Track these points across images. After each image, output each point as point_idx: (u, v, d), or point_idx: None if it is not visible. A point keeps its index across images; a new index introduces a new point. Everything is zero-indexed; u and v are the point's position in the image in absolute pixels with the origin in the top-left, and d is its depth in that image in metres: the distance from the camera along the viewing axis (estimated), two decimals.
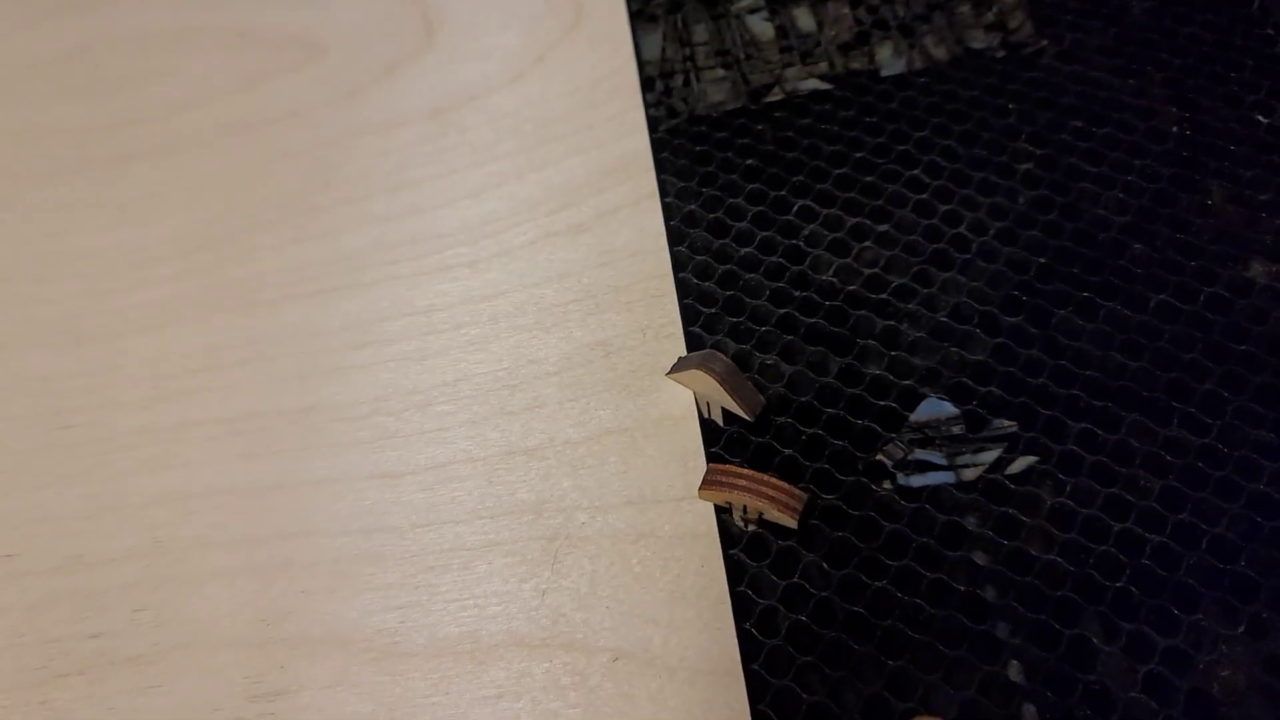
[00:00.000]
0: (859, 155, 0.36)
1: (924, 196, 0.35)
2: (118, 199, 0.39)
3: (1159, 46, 0.38)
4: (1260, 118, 0.35)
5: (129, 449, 0.33)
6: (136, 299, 0.37)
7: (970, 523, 0.29)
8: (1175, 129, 0.35)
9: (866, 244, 0.34)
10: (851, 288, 0.34)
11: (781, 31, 0.41)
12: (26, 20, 0.45)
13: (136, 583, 0.31)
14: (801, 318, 0.33)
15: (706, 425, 0.31)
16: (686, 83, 0.40)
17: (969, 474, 0.30)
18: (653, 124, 0.38)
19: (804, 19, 0.41)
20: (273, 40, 0.43)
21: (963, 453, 0.30)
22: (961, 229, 0.34)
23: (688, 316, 0.34)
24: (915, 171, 0.36)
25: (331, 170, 0.39)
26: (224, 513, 0.32)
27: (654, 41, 0.41)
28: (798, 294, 0.34)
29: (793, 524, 0.29)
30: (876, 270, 0.34)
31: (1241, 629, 0.27)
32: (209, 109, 0.41)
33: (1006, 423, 0.31)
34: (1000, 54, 0.38)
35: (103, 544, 0.32)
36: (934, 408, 0.31)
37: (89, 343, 0.36)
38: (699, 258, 0.35)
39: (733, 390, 0.30)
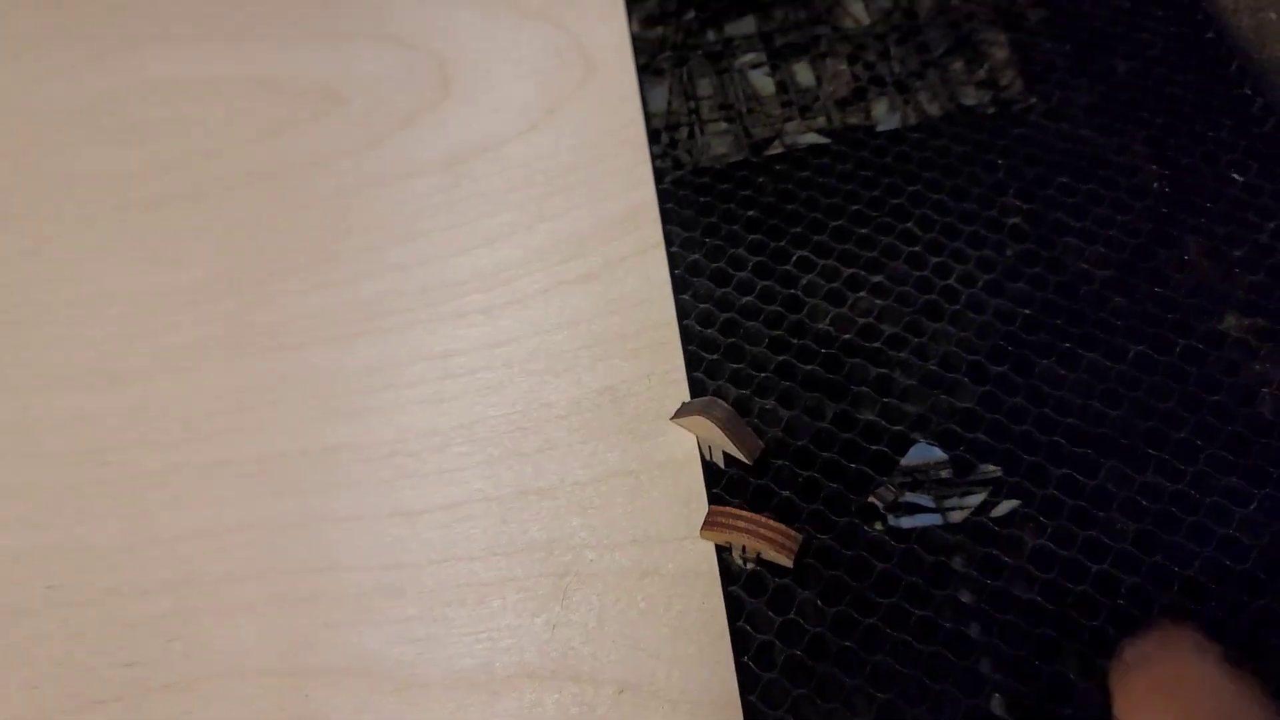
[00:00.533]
0: (855, 208, 0.38)
1: (916, 249, 0.37)
2: (149, 244, 0.41)
3: (1142, 105, 0.40)
4: (1236, 176, 0.37)
5: (161, 486, 0.35)
6: (168, 341, 0.38)
7: (957, 563, 0.31)
8: (1156, 185, 0.37)
9: (861, 294, 0.36)
10: (847, 336, 0.35)
11: (782, 86, 0.43)
12: (61, 69, 0.47)
13: (169, 614, 0.33)
14: (799, 364, 0.35)
15: (708, 468, 0.33)
16: (691, 135, 0.42)
17: (956, 516, 0.32)
18: (659, 175, 0.40)
19: (803, 74, 0.43)
20: (295, 90, 0.45)
21: (950, 496, 0.32)
22: (951, 281, 0.36)
23: (691, 362, 0.35)
24: (908, 224, 0.38)
25: (351, 218, 0.41)
26: (252, 548, 0.34)
27: (660, 95, 0.43)
28: (795, 341, 0.35)
29: (789, 563, 0.30)
30: (870, 319, 0.36)
31: None
32: (234, 156, 0.43)
33: (991, 468, 0.32)
34: (991, 110, 0.40)
35: (137, 577, 0.34)
36: (924, 453, 0.33)
37: (123, 383, 0.38)
38: (702, 305, 0.37)
39: (733, 435, 0.32)
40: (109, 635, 0.33)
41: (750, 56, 0.44)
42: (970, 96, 0.41)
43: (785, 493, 0.33)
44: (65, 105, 0.46)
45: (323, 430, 0.35)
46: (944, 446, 0.33)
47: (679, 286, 0.37)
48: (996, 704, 0.29)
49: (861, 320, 0.36)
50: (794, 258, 0.37)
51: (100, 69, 0.48)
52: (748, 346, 0.36)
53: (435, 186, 0.41)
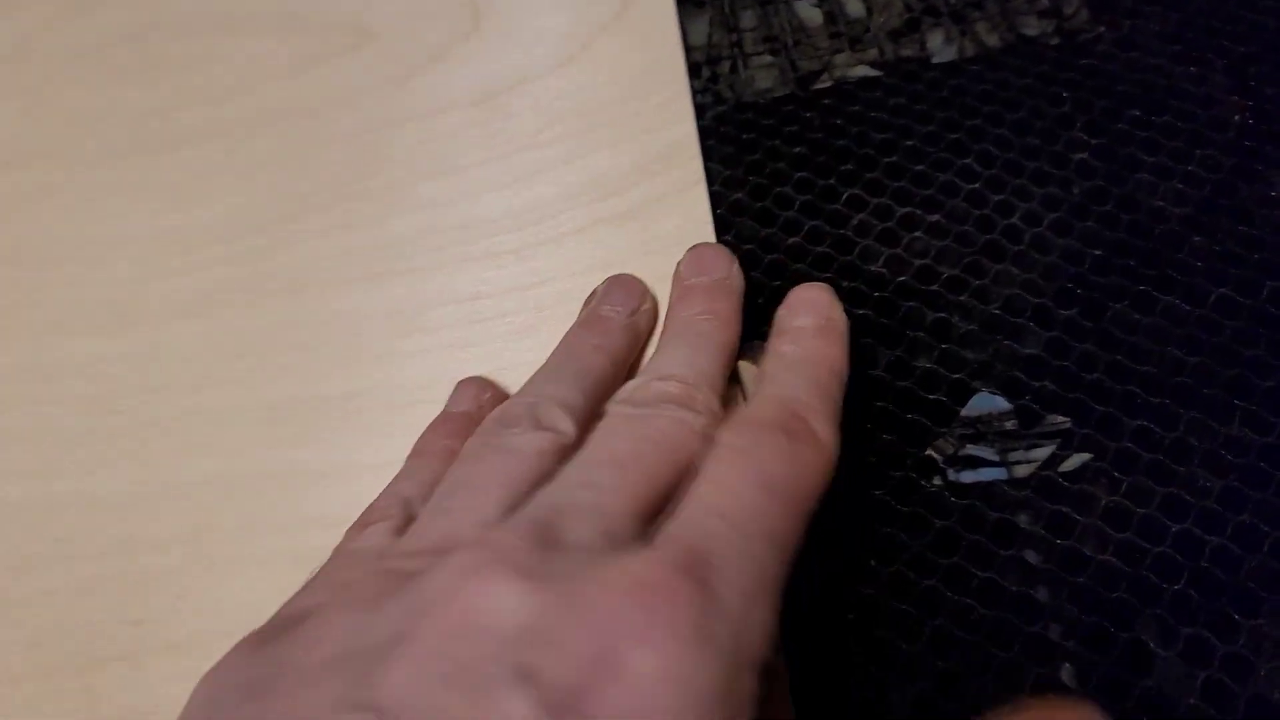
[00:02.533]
0: (909, 143, 0.36)
1: (976, 186, 0.34)
2: (168, 183, 0.39)
3: (1220, 33, 0.37)
4: None
5: (175, 433, 0.33)
6: (186, 283, 0.37)
7: (1022, 520, 0.29)
8: (1237, 118, 0.35)
9: (917, 234, 0.34)
10: (901, 279, 0.33)
11: (830, 18, 0.40)
12: (79, 5, 0.46)
13: (180, 568, 0.31)
14: (850, 309, 0.32)
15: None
16: (734, 69, 0.39)
17: (1021, 471, 0.29)
18: (699, 111, 0.38)
19: (853, 5, 0.40)
20: (321, 25, 0.43)
21: (1015, 449, 0.30)
22: (1015, 219, 0.34)
23: None
24: (967, 160, 0.35)
25: (379, 156, 0.39)
26: (268, 499, 0.32)
27: (701, 27, 0.40)
28: (846, 285, 0.33)
29: None
30: (927, 261, 0.33)
31: None
32: (258, 94, 0.41)
33: (1060, 419, 0.30)
34: (1054, 41, 0.38)
35: (148, 529, 0.32)
36: (986, 403, 0.31)
37: (138, 326, 0.36)
38: (746, 247, 0.34)
39: None
40: (117, 590, 0.31)
41: None
42: (1032, 26, 0.38)
43: None
44: (83, 41, 0.45)
45: (344, 376, 0.34)
46: (1008, 396, 0.31)
47: (721, 227, 0.35)
48: (1067, 674, 0.26)
49: (917, 262, 0.33)
50: (844, 196, 0.35)
51: (121, 5, 0.46)
52: None
53: (466, 123, 0.39)
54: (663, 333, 0.31)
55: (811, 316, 0.29)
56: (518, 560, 0.20)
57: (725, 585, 0.20)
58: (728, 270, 0.31)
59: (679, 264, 0.32)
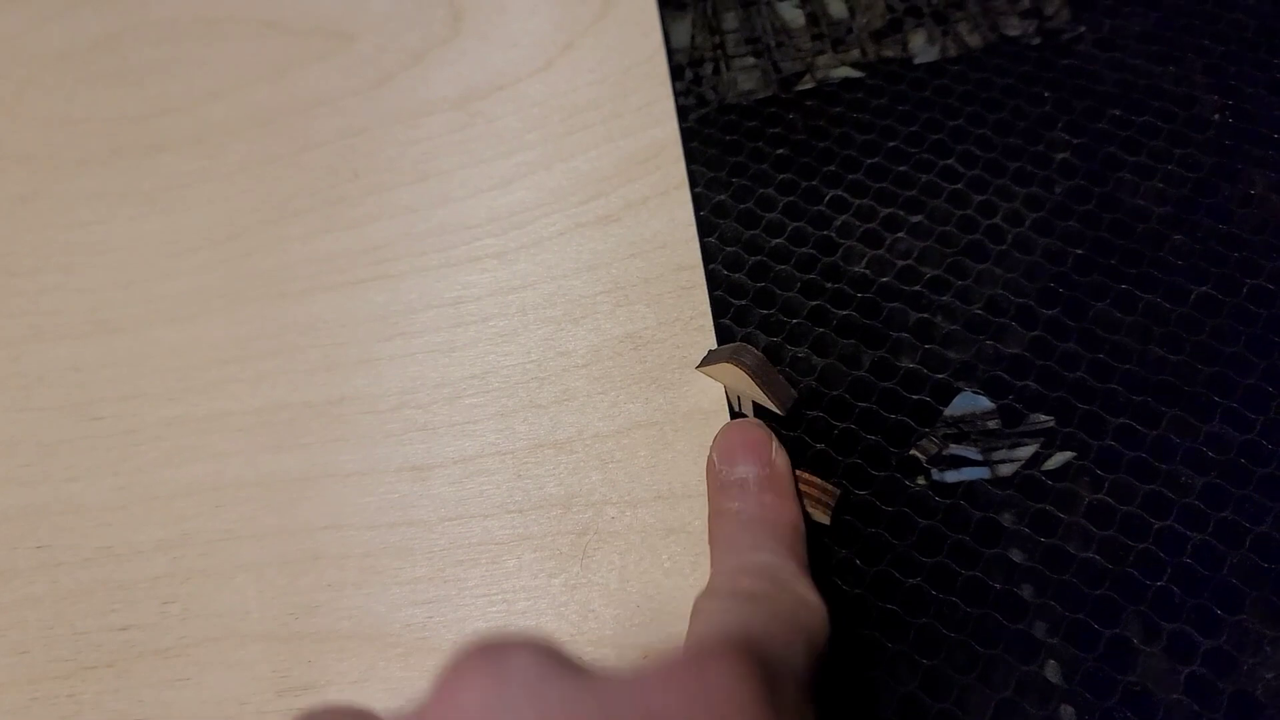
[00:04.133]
0: (892, 144, 0.36)
1: (958, 186, 0.35)
2: (147, 189, 0.39)
3: (1200, 32, 0.37)
4: None
5: (158, 440, 0.33)
6: (166, 289, 0.36)
7: (1006, 519, 0.29)
8: (1217, 117, 0.35)
9: (900, 235, 0.34)
10: (884, 279, 0.33)
11: (812, 19, 0.40)
12: (57, 10, 0.45)
13: (165, 575, 0.31)
14: (833, 309, 0.33)
15: (737, 419, 0.31)
16: (716, 71, 0.39)
17: (1005, 470, 0.29)
18: (682, 113, 0.38)
19: (835, 6, 0.40)
20: (300, 29, 0.43)
21: (998, 448, 0.30)
22: (997, 219, 0.34)
23: (718, 309, 0.33)
24: (949, 161, 0.35)
25: (359, 160, 0.38)
26: (252, 505, 0.32)
27: (683, 29, 0.40)
28: (829, 285, 0.33)
29: (825, 520, 0.28)
30: (910, 262, 0.33)
31: None
32: (237, 98, 0.41)
33: (1043, 417, 0.30)
34: (1036, 41, 0.38)
35: (132, 536, 0.32)
36: (969, 402, 0.31)
37: (119, 333, 0.36)
38: (729, 249, 0.34)
39: (764, 384, 0.30)
40: (102, 597, 0.31)
41: None
42: (1013, 26, 0.38)
43: (820, 445, 0.30)
44: (63, 47, 0.44)
45: (328, 381, 0.33)
46: (991, 395, 0.31)
47: (704, 229, 0.35)
48: (1052, 670, 0.26)
49: (900, 262, 0.33)
50: (827, 197, 0.35)
51: (99, 10, 0.45)
52: (778, 291, 0.33)
53: (447, 126, 0.39)
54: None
55: (754, 465, 0.27)
56: None
57: (778, 669, 0.19)
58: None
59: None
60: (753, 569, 0.24)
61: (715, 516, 0.27)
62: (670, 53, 0.40)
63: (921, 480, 0.30)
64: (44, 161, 0.41)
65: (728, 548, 0.25)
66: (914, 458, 0.30)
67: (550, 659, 0.18)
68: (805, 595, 0.23)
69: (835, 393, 0.31)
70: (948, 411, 0.31)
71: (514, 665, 0.18)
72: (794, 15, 0.40)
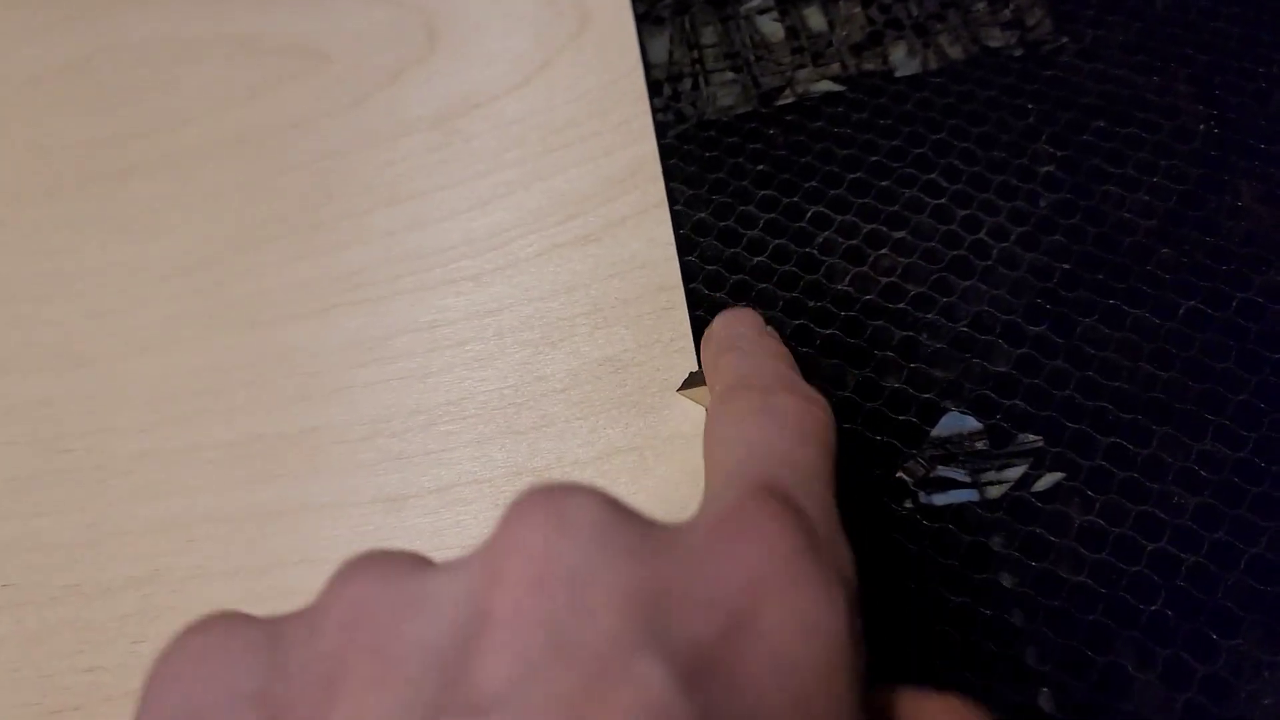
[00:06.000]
0: (873, 159, 0.35)
1: (942, 201, 0.34)
2: (118, 215, 0.38)
3: (1183, 42, 0.36)
4: None
5: (128, 474, 0.32)
6: (137, 319, 0.36)
7: (996, 543, 0.28)
8: (1202, 127, 0.34)
9: (883, 251, 0.33)
10: (868, 297, 0.32)
11: (792, 32, 0.39)
12: (26, 33, 0.45)
13: (135, 614, 0.30)
14: (817, 328, 0.32)
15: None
16: (695, 86, 0.39)
17: (994, 491, 0.29)
18: (661, 129, 0.37)
19: (815, 19, 0.40)
20: (274, 49, 0.42)
21: (987, 469, 0.29)
22: (981, 235, 0.33)
23: (699, 329, 0.32)
24: (932, 175, 0.35)
25: (334, 183, 0.38)
26: (224, 541, 0.31)
27: (661, 44, 0.40)
28: (812, 304, 0.33)
29: None
30: (894, 279, 0.33)
31: None
32: (210, 121, 0.41)
33: (1032, 437, 0.29)
34: (1018, 53, 0.37)
35: (101, 574, 0.31)
36: (956, 422, 0.30)
37: (88, 365, 0.35)
38: (710, 268, 0.34)
39: None
40: (68, 638, 0.30)
41: (757, 1, 0.41)
42: (995, 38, 0.38)
43: None
44: (30, 71, 0.44)
45: (300, 411, 0.33)
46: (978, 415, 0.30)
47: (684, 247, 0.34)
48: (1045, 699, 0.26)
49: (884, 279, 0.33)
50: (809, 214, 0.34)
51: (69, 33, 0.45)
52: (761, 311, 0.33)
53: (423, 146, 0.38)
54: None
55: (749, 328, 0.28)
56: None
57: (805, 501, 0.19)
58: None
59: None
60: (755, 376, 0.24)
61: (717, 359, 0.27)
62: (648, 68, 0.39)
63: (909, 503, 0.29)
64: (12, 189, 0.40)
65: (732, 372, 0.25)
66: (901, 480, 0.29)
67: (610, 505, 0.17)
68: (808, 393, 0.23)
69: None
70: (935, 432, 0.30)
71: (575, 508, 0.17)
72: (773, 29, 0.40)
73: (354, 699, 0.15)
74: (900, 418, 0.30)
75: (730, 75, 0.39)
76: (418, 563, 0.18)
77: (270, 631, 0.17)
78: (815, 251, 0.34)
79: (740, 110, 0.38)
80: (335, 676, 0.16)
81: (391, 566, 0.17)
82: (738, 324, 0.28)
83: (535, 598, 0.16)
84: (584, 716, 0.14)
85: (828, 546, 0.18)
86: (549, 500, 0.17)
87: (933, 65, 0.38)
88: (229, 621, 0.18)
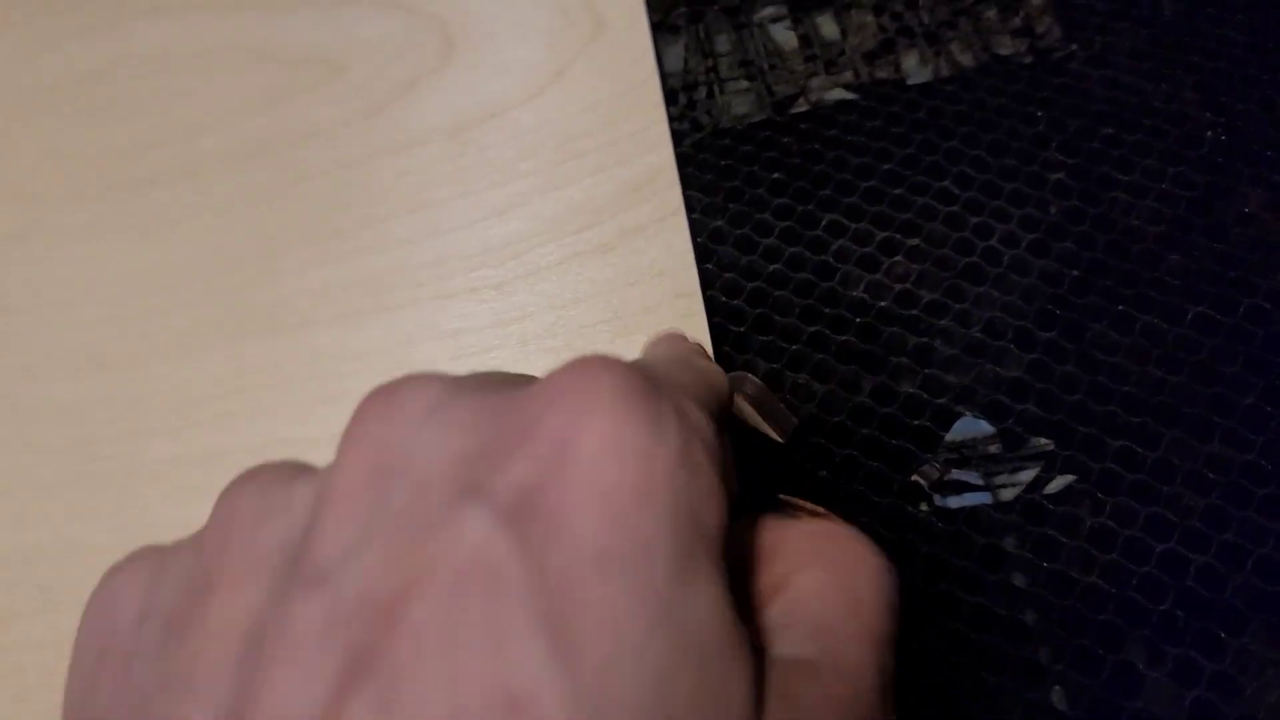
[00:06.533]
0: (886, 167, 0.36)
1: (954, 209, 0.35)
2: (140, 223, 0.39)
3: (1191, 49, 0.37)
4: None
5: (157, 479, 0.33)
6: (161, 325, 0.36)
7: (1009, 544, 0.29)
8: (1210, 134, 0.35)
9: (897, 258, 0.34)
10: (883, 303, 0.33)
11: (805, 40, 0.40)
12: (48, 43, 0.45)
13: None
14: (832, 335, 0.33)
15: (738, 448, 0.31)
16: (710, 95, 0.39)
17: (1007, 494, 0.29)
18: (677, 138, 0.38)
19: (828, 27, 0.40)
20: (291, 59, 0.43)
21: (1000, 472, 0.30)
22: (993, 242, 0.34)
23: (717, 335, 0.33)
24: (945, 183, 0.35)
25: (352, 191, 0.38)
26: None
27: (676, 53, 0.41)
28: (828, 311, 0.33)
29: None
30: (908, 285, 0.33)
31: None
32: (229, 130, 0.41)
33: (1043, 441, 0.30)
34: (1028, 60, 0.38)
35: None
36: (970, 426, 0.31)
37: (115, 370, 0.36)
38: (727, 275, 0.34)
39: (764, 412, 0.30)
40: None
41: (770, 10, 0.41)
42: (1005, 45, 0.39)
43: (822, 473, 0.30)
44: (50, 81, 0.44)
45: (326, 415, 0.33)
46: (991, 419, 0.31)
47: (701, 255, 0.35)
48: (1058, 697, 0.26)
49: (898, 286, 0.33)
50: (823, 222, 0.35)
51: (86, 42, 0.45)
52: (777, 317, 0.33)
53: (440, 156, 0.39)
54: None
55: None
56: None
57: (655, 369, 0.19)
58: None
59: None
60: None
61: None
62: (663, 77, 0.40)
63: (924, 506, 0.30)
64: (35, 197, 0.41)
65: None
66: (916, 484, 0.30)
67: (445, 384, 0.18)
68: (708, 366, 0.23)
69: (836, 419, 0.31)
70: (949, 436, 0.31)
71: (406, 395, 0.18)
72: (786, 37, 0.40)
73: (224, 597, 0.16)
74: (915, 422, 0.31)
75: (745, 84, 0.39)
76: (295, 471, 0.19)
77: (165, 555, 0.19)
78: (830, 258, 0.34)
79: (755, 118, 0.38)
80: (211, 582, 0.17)
81: (265, 479, 0.19)
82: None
83: (366, 477, 0.17)
84: (410, 567, 0.15)
85: (670, 393, 0.18)
86: (382, 392, 0.18)
87: (944, 73, 0.38)
88: (135, 555, 0.19)
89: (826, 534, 0.20)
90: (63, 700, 0.18)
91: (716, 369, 0.23)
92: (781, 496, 0.29)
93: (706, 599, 0.16)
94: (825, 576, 0.19)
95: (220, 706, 0.15)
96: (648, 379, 0.17)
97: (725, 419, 0.22)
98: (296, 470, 0.19)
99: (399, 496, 0.16)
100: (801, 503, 0.29)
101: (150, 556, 0.19)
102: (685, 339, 0.27)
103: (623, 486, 0.16)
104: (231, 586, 0.17)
